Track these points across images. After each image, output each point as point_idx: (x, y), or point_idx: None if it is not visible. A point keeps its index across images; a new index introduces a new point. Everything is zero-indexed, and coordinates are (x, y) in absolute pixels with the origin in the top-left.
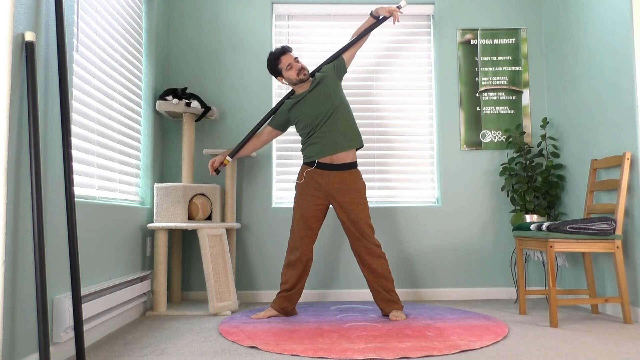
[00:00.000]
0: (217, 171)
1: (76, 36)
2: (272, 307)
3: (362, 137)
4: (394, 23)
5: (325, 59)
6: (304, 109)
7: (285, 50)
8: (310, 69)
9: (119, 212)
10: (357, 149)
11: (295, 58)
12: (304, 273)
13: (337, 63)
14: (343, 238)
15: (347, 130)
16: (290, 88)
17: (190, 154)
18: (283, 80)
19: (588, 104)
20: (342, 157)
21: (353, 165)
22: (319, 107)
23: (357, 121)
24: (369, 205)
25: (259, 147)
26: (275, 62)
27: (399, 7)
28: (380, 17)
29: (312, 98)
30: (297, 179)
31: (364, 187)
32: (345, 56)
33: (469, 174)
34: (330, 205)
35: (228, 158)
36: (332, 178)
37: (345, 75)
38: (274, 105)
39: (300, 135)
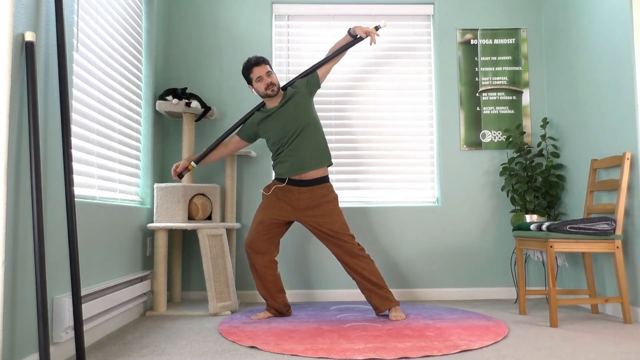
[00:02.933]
0: (180, 176)
1: (76, 36)
2: (267, 310)
3: (362, 137)
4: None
5: (298, 73)
6: (273, 125)
7: (259, 62)
8: (286, 80)
9: (119, 212)
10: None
11: (268, 72)
12: (269, 284)
13: (310, 78)
14: None
15: (316, 149)
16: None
17: (190, 154)
18: (253, 90)
19: (588, 104)
20: (311, 174)
21: (322, 179)
22: (287, 125)
23: (356, 121)
24: (369, 205)
25: (226, 155)
26: (247, 71)
27: (377, 28)
28: (357, 36)
29: (281, 115)
30: (264, 190)
31: (335, 199)
32: (319, 72)
33: (469, 174)
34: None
35: (193, 164)
36: (302, 194)
37: (346, 75)
38: None
39: (270, 151)
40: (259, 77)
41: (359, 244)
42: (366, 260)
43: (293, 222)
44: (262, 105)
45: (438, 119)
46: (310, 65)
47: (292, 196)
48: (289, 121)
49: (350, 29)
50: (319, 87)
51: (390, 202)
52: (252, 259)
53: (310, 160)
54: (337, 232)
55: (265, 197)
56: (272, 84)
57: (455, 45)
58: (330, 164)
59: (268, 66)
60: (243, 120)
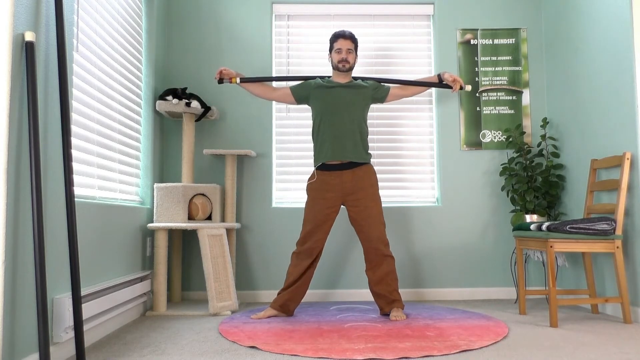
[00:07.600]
0: (220, 80)
1: (76, 36)
2: (271, 306)
3: None
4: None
5: (375, 77)
6: (326, 96)
7: (346, 36)
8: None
9: (119, 212)
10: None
11: (349, 50)
12: (311, 267)
13: (380, 88)
14: (343, 239)
15: (360, 144)
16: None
17: (190, 154)
18: (329, 58)
19: (588, 104)
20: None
21: (364, 162)
22: (338, 103)
23: None
24: None
25: (266, 97)
26: (334, 39)
27: (462, 87)
28: (443, 82)
29: (338, 92)
30: (309, 178)
31: (376, 184)
32: (393, 90)
33: (469, 174)
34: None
35: (237, 79)
36: (345, 177)
37: None
38: (273, 106)
39: (312, 132)
40: (339, 48)
41: (386, 238)
42: (388, 260)
43: (340, 207)
44: (328, 76)
45: (438, 119)
46: (392, 79)
47: (335, 180)
48: (341, 102)
49: (440, 73)
50: (381, 102)
51: (390, 202)
52: (304, 264)
53: (354, 150)
54: (375, 217)
55: (311, 190)
56: (346, 61)
57: (455, 45)
58: (368, 162)
59: (354, 45)
60: (302, 78)
